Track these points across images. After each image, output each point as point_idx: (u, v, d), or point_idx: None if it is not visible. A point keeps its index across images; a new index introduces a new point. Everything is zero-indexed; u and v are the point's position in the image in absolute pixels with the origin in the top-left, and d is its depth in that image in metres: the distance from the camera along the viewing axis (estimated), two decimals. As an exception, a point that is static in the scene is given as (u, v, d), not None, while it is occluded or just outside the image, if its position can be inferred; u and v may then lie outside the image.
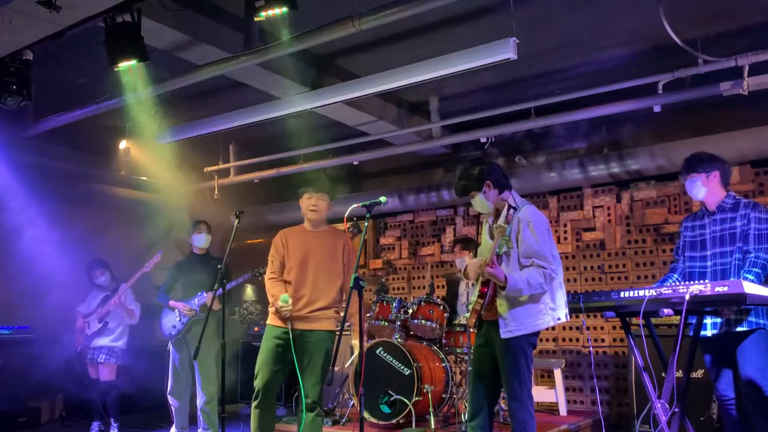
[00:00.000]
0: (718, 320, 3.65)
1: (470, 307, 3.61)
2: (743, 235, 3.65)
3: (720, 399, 3.81)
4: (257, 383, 4.21)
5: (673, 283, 3.70)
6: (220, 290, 4.51)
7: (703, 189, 3.78)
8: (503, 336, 3.43)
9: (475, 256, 4.01)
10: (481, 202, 3.63)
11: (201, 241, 5.51)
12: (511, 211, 3.55)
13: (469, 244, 5.80)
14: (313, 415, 4.14)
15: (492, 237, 3.59)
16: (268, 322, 4.33)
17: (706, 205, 3.84)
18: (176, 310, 5.37)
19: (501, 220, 3.57)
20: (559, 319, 3.49)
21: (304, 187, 4.32)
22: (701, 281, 3.31)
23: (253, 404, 4.23)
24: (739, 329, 3.59)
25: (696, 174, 3.78)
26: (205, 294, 5.26)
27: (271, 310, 4.31)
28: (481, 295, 3.49)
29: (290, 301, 4.14)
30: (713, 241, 3.77)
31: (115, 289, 6.07)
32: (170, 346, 5.46)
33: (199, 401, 5.31)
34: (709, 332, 3.67)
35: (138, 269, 5.92)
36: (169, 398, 5.42)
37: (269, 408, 4.26)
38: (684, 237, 3.95)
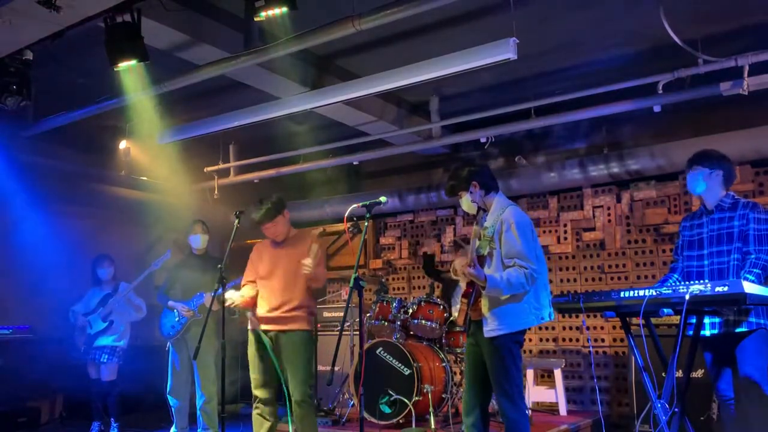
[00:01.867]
0: (718, 320, 3.65)
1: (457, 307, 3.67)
2: (742, 235, 3.64)
3: (720, 399, 3.81)
4: (254, 385, 4.36)
5: (674, 283, 3.70)
6: (220, 290, 4.51)
7: (703, 184, 3.76)
8: (486, 335, 3.49)
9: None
10: (467, 203, 3.72)
11: (197, 242, 5.51)
12: (481, 212, 3.67)
13: None
14: (302, 413, 4.22)
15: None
16: (248, 327, 4.47)
17: (705, 203, 3.83)
18: (175, 311, 5.37)
19: (487, 222, 3.64)
20: (542, 318, 3.55)
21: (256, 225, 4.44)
22: (701, 281, 3.31)
23: (253, 406, 4.36)
24: (739, 330, 3.59)
25: (699, 167, 3.76)
26: (204, 295, 5.25)
27: (248, 315, 4.45)
28: (465, 295, 3.55)
29: (235, 296, 4.33)
30: (710, 240, 3.76)
31: (116, 287, 6.08)
32: (169, 346, 5.46)
33: (199, 401, 5.31)
34: (708, 332, 3.67)
35: (138, 268, 5.91)
36: (169, 398, 5.42)
37: (269, 410, 4.33)
38: (682, 236, 3.95)
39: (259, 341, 4.35)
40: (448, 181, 3.79)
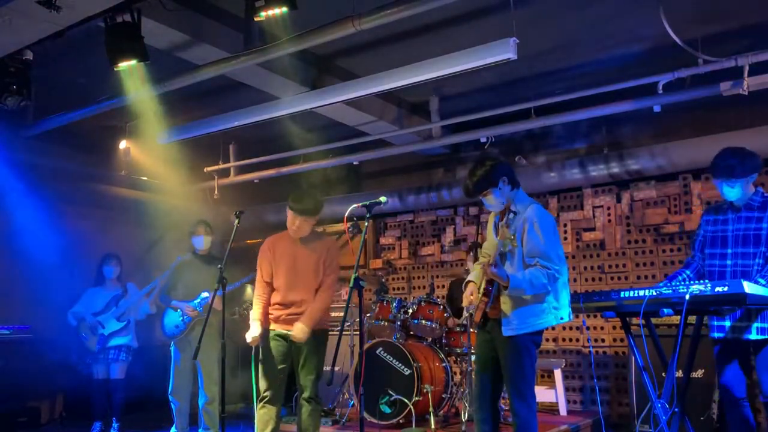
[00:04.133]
0: (727, 324, 3.59)
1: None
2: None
3: (729, 398, 3.69)
4: (262, 384, 4.33)
5: (684, 279, 3.67)
6: (221, 290, 4.51)
7: (742, 192, 3.59)
8: (506, 334, 3.45)
9: (476, 257, 4.03)
10: (495, 200, 3.60)
11: (200, 242, 5.51)
12: (513, 209, 3.58)
13: None
14: (311, 408, 4.24)
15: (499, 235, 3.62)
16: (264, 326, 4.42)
17: (733, 200, 3.66)
18: (179, 310, 5.36)
19: (506, 219, 3.57)
20: (562, 318, 3.50)
21: (290, 204, 4.29)
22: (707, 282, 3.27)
23: (258, 405, 4.32)
24: (759, 337, 3.49)
25: (735, 179, 3.56)
26: (208, 295, 5.25)
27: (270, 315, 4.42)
28: (486, 294, 3.50)
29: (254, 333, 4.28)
30: (735, 240, 3.61)
31: (124, 288, 6.08)
32: (172, 346, 5.46)
33: (202, 401, 5.31)
34: (730, 335, 3.59)
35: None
36: (170, 398, 5.41)
37: (275, 409, 4.32)
38: (704, 231, 3.77)
39: (275, 338, 4.33)
40: (472, 177, 3.57)
